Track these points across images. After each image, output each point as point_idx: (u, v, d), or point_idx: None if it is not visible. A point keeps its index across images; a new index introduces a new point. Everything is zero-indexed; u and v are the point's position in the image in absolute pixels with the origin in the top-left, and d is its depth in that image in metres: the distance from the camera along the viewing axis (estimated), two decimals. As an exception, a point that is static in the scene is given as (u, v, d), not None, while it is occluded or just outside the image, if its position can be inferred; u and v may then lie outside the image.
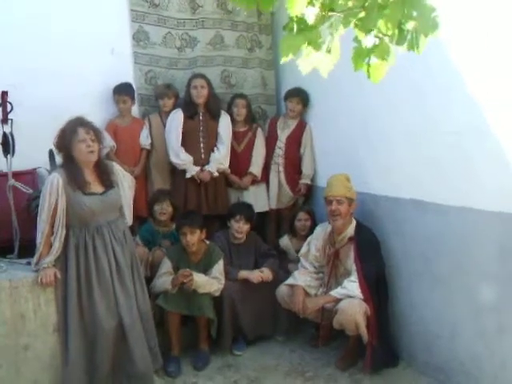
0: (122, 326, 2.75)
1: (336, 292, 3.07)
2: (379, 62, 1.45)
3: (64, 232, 2.73)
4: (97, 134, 2.83)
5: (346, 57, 1.48)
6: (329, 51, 1.38)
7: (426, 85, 2.83)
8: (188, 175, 3.90)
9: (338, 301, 3.04)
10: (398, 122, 3.09)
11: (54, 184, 2.69)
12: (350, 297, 3.01)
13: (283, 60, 1.42)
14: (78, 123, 2.79)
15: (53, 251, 2.72)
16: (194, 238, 3.24)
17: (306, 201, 4.28)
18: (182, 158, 3.89)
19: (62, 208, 2.70)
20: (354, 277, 3.07)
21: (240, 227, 3.57)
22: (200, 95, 3.94)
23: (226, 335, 3.31)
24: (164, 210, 3.58)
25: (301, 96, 4.14)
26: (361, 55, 1.46)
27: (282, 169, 4.20)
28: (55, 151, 2.87)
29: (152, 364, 2.86)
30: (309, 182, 4.22)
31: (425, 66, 2.74)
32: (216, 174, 3.95)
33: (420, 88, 2.89)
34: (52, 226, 2.72)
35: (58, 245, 2.71)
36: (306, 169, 4.20)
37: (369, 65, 1.47)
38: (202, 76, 4.01)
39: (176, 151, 3.90)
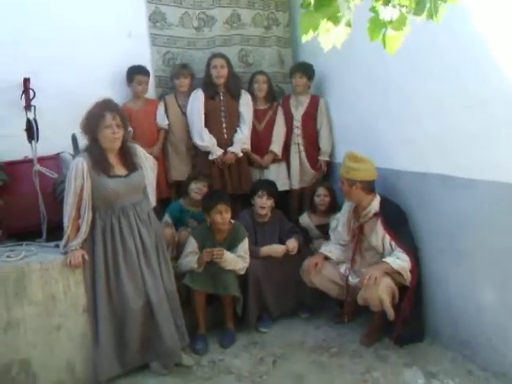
0: (150, 305, 2.81)
1: (392, 261, 3.02)
2: (395, 32, 1.44)
3: (90, 215, 2.78)
4: (123, 120, 2.84)
5: (364, 28, 1.46)
6: (348, 25, 1.37)
7: (452, 53, 2.76)
8: (211, 157, 3.91)
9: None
10: (422, 93, 3.03)
11: (79, 168, 2.73)
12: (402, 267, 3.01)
13: (304, 38, 1.40)
14: (106, 107, 2.80)
15: (80, 234, 2.77)
16: (228, 215, 3.29)
17: (326, 177, 4.26)
18: (206, 140, 3.90)
19: (87, 192, 2.75)
20: (399, 250, 3.06)
21: (263, 202, 3.59)
22: (220, 75, 3.92)
23: (251, 313, 3.35)
24: (200, 189, 3.60)
25: (302, 69, 4.11)
26: (377, 26, 1.44)
27: (302, 148, 4.19)
28: (81, 133, 2.86)
29: (179, 342, 2.92)
30: (327, 159, 4.21)
31: (450, 34, 2.69)
32: (240, 154, 3.96)
33: (445, 56, 2.82)
34: (78, 209, 2.76)
35: (85, 228, 2.77)
36: (324, 145, 4.19)
37: (385, 35, 1.45)
38: (222, 56, 3.99)
39: (200, 133, 3.91)
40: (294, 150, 4.21)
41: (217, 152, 3.91)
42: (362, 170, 3.14)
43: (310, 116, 4.18)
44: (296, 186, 4.24)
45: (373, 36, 1.46)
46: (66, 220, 2.77)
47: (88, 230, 2.79)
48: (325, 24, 1.37)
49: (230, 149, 3.94)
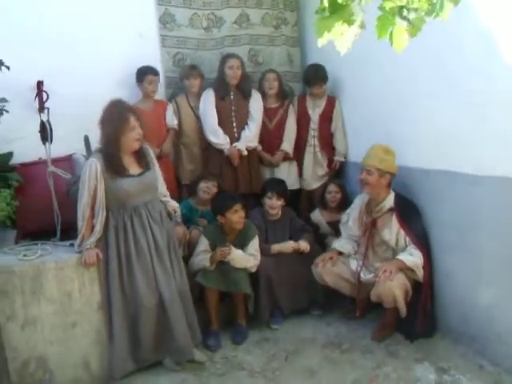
0: (162, 303, 2.84)
1: (406, 258, 3.04)
2: (402, 29, 1.45)
3: (104, 214, 2.82)
4: (140, 121, 2.88)
5: (372, 32, 1.48)
6: (361, 26, 1.39)
7: (461, 52, 2.78)
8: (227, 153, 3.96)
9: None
10: (432, 91, 3.04)
11: (93, 169, 2.77)
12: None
13: (320, 42, 1.43)
14: (129, 110, 2.84)
15: (94, 233, 2.81)
16: (243, 214, 3.32)
17: (339, 175, 4.27)
18: (220, 139, 3.94)
19: (101, 192, 2.79)
20: (412, 246, 3.09)
21: (273, 204, 3.61)
22: (236, 76, 3.95)
23: (262, 310, 3.38)
24: (209, 189, 3.65)
25: (321, 76, 4.08)
26: (385, 23, 1.45)
27: (317, 149, 4.20)
28: (100, 129, 2.85)
29: (191, 339, 2.94)
30: (342, 160, 4.22)
31: (455, 39, 2.73)
32: (245, 152, 3.98)
33: (455, 55, 2.84)
34: (92, 209, 2.81)
35: (99, 227, 2.81)
36: (340, 146, 4.21)
37: (392, 33, 1.47)
38: (237, 56, 4.01)
39: (214, 131, 3.95)
40: (308, 150, 4.22)
41: (227, 146, 3.95)
42: (391, 162, 3.17)
43: (326, 117, 4.19)
44: (308, 186, 4.26)
45: (381, 34, 1.47)
46: (80, 219, 2.82)
47: (102, 229, 2.83)
48: (339, 27, 1.40)
49: (235, 144, 3.96)
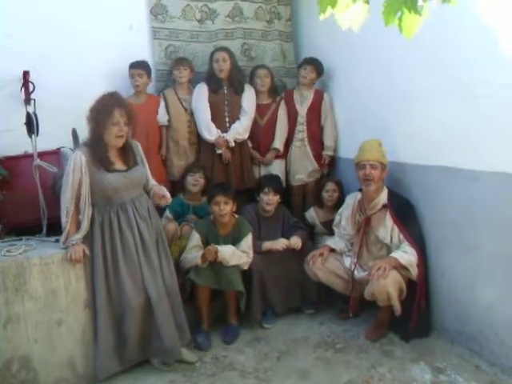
0: (149, 302, 2.76)
1: (400, 256, 2.98)
2: (412, 14, 1.38)
3: (90, 210, 2.73)
4: (130, 117, 2.78)
5: (369, 22, 1.42)
6: (366, 1, 1.32)
7: (457, 46, 2.74)
8: (218, 151, 3.89)
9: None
10: (427, 86, 3.00)
11: (78, 162, 2.69)
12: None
13: (321, 16, 1.36)
14: (116, 103, 2.74)
15: (81, 229, 2.72)
16: (227, 207, 3.24)
17: (331, 172, 4.21)
18: (214, 134, 3.86)
19: (86, 186, 2.70)
20: (406, 243, 3.04)
21: (270, 199, 3.55)
22: (221, 69, 3.88)
23: (255, 309, 3.31)
24: (197, 181, 3.57)
25: (315, 65, 4.04)
26: (392, 9, 1.38)
27: (306, 143, 4.13)
28: (86, 122, 2.77)
29: (180, 339, 2.87)
30: (331, 154, 4.16)
31: (452, 31, 2.68)
32: (232, 144, 3.91)
33: (450, 50, 2.79)
34: (77, 203, 2.72)
35: (86, 223, 2.72)
36: (328, 140, 4.14)
37: (401, 19, 1.40)
38: (224, 49, 3.94)
39: (208, 127, 3.88)
40: (296, 145, 4.16)
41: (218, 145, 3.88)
42: (386, 155, 3.14)
43: (315, 111, 4.12)
44: (296, 181, 4.19)
45: (388, 20, 1.40)
46: (63, 214, 2.72)
47: (88, 225, 2.74)
48: (344, 0, 1.32)
49: (224, 135, 3.89)
